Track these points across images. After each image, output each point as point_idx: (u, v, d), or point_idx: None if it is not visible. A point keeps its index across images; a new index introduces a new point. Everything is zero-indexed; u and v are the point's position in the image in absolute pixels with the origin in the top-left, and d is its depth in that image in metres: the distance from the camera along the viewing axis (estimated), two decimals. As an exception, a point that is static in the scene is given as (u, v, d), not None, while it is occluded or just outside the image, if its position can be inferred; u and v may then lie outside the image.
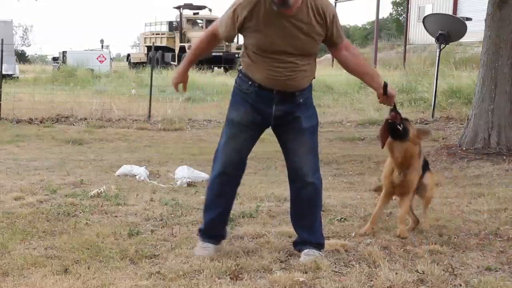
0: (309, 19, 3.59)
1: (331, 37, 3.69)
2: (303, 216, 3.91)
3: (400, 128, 4.15)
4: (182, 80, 4.05)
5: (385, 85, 3.77)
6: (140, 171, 6.84)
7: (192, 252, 3.90)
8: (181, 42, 31.29)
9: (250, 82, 3.73)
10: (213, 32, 3.84)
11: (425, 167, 4.57)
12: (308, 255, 3.79)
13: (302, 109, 3.78)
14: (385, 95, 3.80)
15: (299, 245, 3.93)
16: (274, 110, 3.73)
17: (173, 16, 33.70)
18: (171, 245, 4.10)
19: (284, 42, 3.59)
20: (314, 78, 3.88)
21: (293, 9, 3.53)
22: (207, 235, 3.96)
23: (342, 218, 4.85)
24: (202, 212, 4.05)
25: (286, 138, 3.85)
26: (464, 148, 8.02)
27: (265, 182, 6.58)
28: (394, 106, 4.01)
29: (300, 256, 3.82)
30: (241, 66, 3.85)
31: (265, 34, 3.59)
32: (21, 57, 45.76)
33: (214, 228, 3.97)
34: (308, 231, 3.91)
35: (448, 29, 12.45)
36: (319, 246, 3.89)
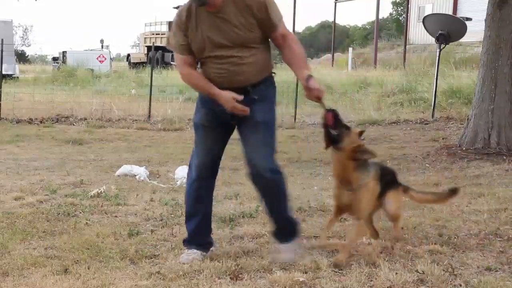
0: (236, 10, 3.60)
1: (261, 25, 3.64)
2: (268, 208, 3.91)
3: (333, 134, 3.69)
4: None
5: (308, 77, 3.56)
6: (140, 171, 6.84)
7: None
8: (181, 42, 31.24)
9: None
10: (184, 63, 3.81)
11: (390, 184, 4.06)
12: (284, 252, 3.83)
13: (257, 104, 3.72)
14: (309, 89, 3.60)
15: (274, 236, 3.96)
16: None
17: (173, 16, 33.62)
18: (171, 245, 4.10)
19: (218, 37, 3.63)
20: (271, 73, 3.82)
21: (217, 4, 3.58)
22: (193, 243, 3.91)
23: (342, 218, 4.84)
24: (185, 223, 4.02)
25: (242, 133, 3.81)
26: (464, 148, 8.02)
27: (265, 182, 6.57)
28: (332, 109, 3.70)
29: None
30: None
31: (201, 34, 3.66)
32: (21, 57, 45.77)
33: (199, 236, 3.93)
34: (274, 222, 3.92)
35: (448, 29, 12.45)
36: (290, 233, 3.90)
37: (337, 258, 3.68)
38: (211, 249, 3.97)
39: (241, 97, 3.61)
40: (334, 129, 3.67)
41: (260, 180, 3.76)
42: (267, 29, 3.67)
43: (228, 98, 3.61)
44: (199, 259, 3.78)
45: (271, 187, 3.79)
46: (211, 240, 4.02)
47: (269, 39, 3.77)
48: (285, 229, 3.91)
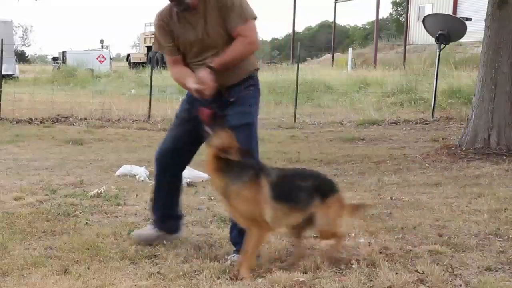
0: (210, 10, 3.67)
1: (227, 23, 3.67)
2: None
3: (204, 129, 3.56)
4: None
5: (208, 67, 3.58)
6: (140, 171, 6.83)
7: (190, 252, 3.90)
8: (181, 42, 31.27)
9: None
10: (173, 63, 3.89)
11: (319, 196, 3.60)
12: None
13: (233, 108, 3.73)
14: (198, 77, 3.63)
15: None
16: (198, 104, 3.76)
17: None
18: (171, 245, 4.09)
19: (196, 39, 3.72)
20: (251, 73, 3.79)
21: (196, 6, 3.66)
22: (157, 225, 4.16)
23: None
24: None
25: None
26: (464, 148, 8.02)
27: (265, 182, 6.57)
28: (211, 106, 3.61)
29: None
30: None
31: (182, 36, 3.76)
32: (21, 57, 45.79)
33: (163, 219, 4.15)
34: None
35: (448, 29, 12.46)
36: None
37: (240, 275, 3.45)
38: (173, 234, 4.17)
39: (194, 87, 3.61)
40: (208, 125, 3.55)
41: None
42: (228, 26, 3.68)
43: (192, 89, 3.67)
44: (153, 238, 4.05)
45: None
46: (174, 227, 4.21)
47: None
48: None
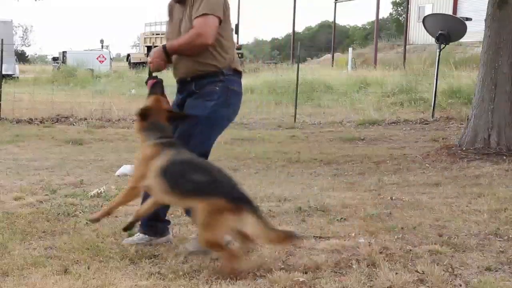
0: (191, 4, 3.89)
1: (192, 15, 3.86)
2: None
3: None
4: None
5: (162, 46, 3.93)
6: (140, 171, 6.82)
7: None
8: (181, 42, 31.25)
9: None
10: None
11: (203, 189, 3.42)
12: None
13: (192, 98, 3.94)
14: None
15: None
16: (176, 98, 4.08)
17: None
18: (171, 245, 4.09)
19: (172, 31, 4.05)
20: (219, 69, 3.89)
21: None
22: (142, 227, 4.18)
23: (342, 218, 4.85)
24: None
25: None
26: (464, 148, 8.02)
27: (265, 182, 6.58)
28: (156, 78, 3.98)
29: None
30: None
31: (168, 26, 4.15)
32: (21, 57, 45.78)
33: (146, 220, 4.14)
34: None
35: (448, 29, 12.46)
36: None
37: (93, 216, 3.99)
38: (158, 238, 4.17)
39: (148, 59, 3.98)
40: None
41: None
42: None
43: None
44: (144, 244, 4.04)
45: None
46: (160, 230, 4.20)
47: (221, 34, 3.88)
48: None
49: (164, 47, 3.89)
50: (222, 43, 3.89)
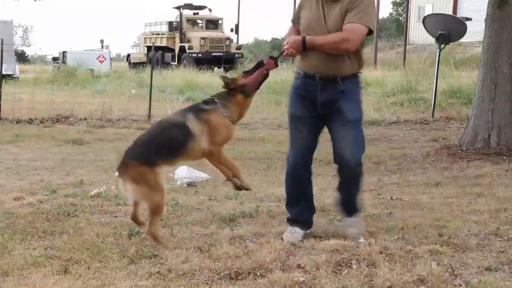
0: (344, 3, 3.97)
1: (345, 17, 3.94)
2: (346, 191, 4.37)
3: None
4: None
5: (303, 37, 4.03)
6: (140, 171, 6.82)
7: (190, 252, 3.90)
8: (181, 42, 31.30)
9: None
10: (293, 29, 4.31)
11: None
12: (349, 226, 4.28)
13: (343, 99, 4.06)
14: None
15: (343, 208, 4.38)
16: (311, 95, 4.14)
17: (173, 16, 33.71)
18: (171, 245, 4.09)
19: (316, 22, 4.04)
20: (359, 72, 4.10)
21: None
22: (293, 221, 4.32)
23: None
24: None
25: (333, 126, 4.21)
26: (464, 148, 8.02)
27: (265, 182, 6.58)
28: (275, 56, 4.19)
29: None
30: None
31: (307, 15, 4.12)
32: (21, 57, 45.75)
33: (300, 215, 4.33)
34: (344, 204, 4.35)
35: (448, 29, 12.44)
36: (355, 213, 4.34)
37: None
38: (310, 229, 4.33)
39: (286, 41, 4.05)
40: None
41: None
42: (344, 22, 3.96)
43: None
44: (300, 238, 4.16)
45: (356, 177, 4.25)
46: (311, 220, 4.40)
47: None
48: (353, 206, 4.33)
49: (304, 39, 3.95)
50: (361, 49, 4.11)
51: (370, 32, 3.97)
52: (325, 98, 4.05)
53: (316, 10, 4.02)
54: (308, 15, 4.09)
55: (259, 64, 4.18)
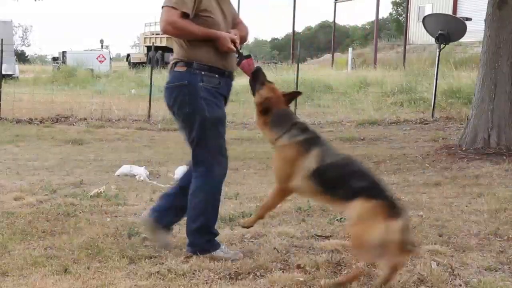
0: None
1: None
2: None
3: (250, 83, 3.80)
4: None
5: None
6: (140, 171, 6.84)
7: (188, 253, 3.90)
8: (181, 42, 31.26)
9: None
10: (182, 15, 3.78)
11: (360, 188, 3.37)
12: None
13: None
14: None
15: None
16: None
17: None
18: (171, 245, 4.09)
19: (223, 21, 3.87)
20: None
21: None
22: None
23: (342, 218, 4.84)
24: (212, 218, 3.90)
25: None
26: (464, 148, 8.02)
27: (265, 182, 6.58)
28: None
29: None
30: None
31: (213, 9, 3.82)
32: (21, 57, 45.76)
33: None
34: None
35: (448, 29, 12.45)
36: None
37: (246, 223, 3.82)
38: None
39: (233, 36, 3.75)
40: (252, 81, 3.73)
41: None
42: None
43: (228, 37, 3.73)
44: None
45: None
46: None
47: None
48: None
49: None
50: None
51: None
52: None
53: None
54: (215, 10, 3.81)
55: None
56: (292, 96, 3.79)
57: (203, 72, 3.72)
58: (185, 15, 3.67)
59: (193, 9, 3.70)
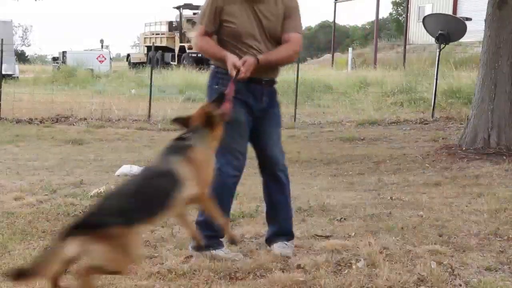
0: (279, 5, 3.83)
1: (283, 24, 3.85)
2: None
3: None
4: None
5: (256, 57, 3.69)
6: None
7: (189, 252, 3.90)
8: (181, 42, 31.29)
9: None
10: (204, 33, 3.85)
11: None
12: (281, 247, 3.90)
13: (267, 108, 4.05)
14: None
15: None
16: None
17: (173, 16, 33.71)
18: (171, 245, 4.09)
19: (252, 27, 3.78)
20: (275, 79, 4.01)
21: None
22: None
23: (342, 218, 4.85)
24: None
25: (265, 126, 4.07)
26: (464, 148, 8.02)
27: (265, 182, 6.57)
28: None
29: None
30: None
31: (237, 19, 3.76)
32: (21, 57, 45.75)
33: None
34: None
35: (448, 29, 12.45)
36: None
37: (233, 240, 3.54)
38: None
39: (237, 62, 3.63)
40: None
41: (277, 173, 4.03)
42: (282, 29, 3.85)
43: (232, 63, 3.65)
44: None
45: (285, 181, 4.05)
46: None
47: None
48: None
49: (258, 59, 3.68)
50: None
51: None
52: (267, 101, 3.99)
53: (246, 13, 3.77)
54: (240, 19, 3.76)
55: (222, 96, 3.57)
56: None
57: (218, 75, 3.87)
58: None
59: (214, 21, 3.76)
